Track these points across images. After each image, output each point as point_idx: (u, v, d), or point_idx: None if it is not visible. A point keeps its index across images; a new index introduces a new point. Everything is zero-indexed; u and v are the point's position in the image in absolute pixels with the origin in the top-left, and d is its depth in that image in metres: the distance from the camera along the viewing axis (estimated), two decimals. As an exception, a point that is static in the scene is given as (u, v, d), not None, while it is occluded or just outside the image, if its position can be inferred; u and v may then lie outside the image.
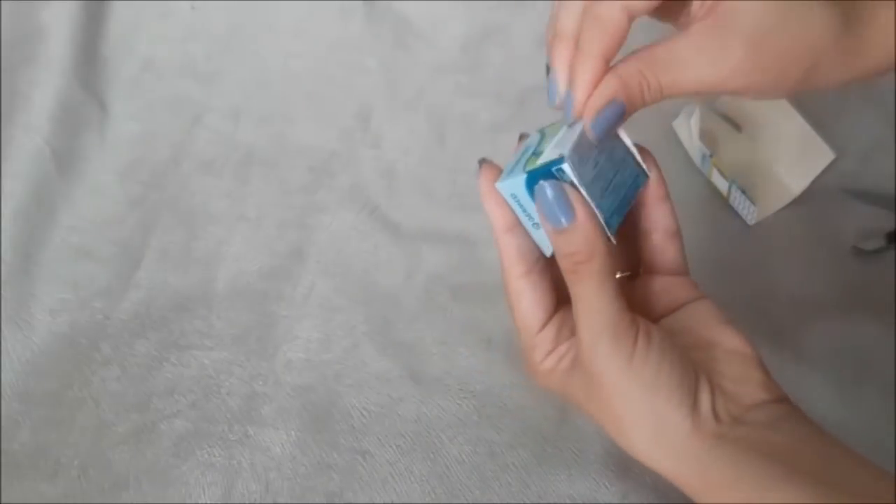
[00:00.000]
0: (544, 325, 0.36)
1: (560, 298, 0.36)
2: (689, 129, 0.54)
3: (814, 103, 0.55)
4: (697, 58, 0.32)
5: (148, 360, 0.49)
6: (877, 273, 0.50)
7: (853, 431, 0.44)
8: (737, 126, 0.55)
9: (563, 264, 0.33)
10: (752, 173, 0.52)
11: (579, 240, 0.32)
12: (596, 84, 0.33)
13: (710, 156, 0.52)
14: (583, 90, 0.33)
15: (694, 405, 0.32)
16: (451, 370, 0.48)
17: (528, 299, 0.36)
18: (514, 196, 0.35)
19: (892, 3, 0.32)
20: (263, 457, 0.45)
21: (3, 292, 0.51)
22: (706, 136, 0.53)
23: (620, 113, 0.33)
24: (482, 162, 0.36)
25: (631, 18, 0.33)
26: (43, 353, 0.49)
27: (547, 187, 0.32)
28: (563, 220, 0.32)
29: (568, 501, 0.43)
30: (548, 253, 0.36)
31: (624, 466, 0.44)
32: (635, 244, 0.38)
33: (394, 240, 0.53)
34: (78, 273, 0.52)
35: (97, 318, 0.50)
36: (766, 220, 0.52)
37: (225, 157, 0.57)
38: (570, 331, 0.36)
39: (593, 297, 0.33)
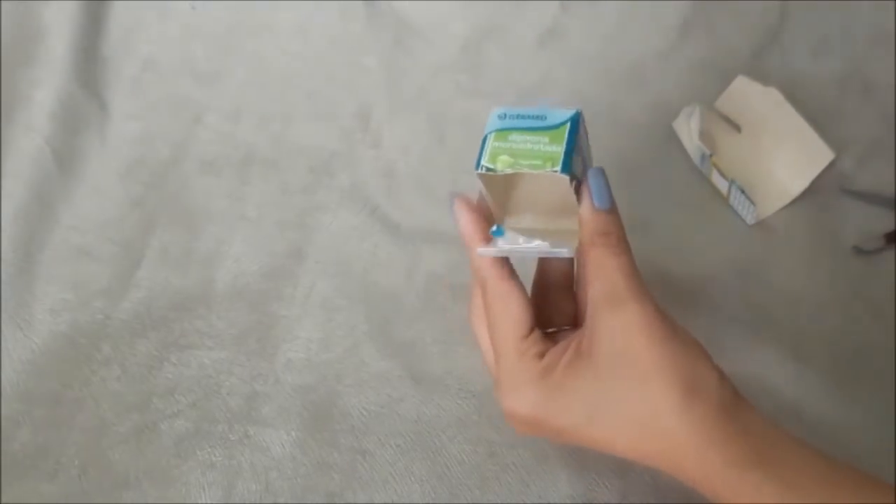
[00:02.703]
0: (532, 329, 0.36)
1: None
2: (689, 129, 0.54)
3: (814, 103, 0.55)
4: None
5: (148, 359, 0.49)
6: (877, 273, 0.50)
7: (853, 431, 0.45)
8: (737, 126, 0.55)
9: (599, 238, 0.36)
10: (752, 173, 0.52)
11: (617, 220, 0.36)
12: None
13: (710, 156, 0.52)
14: None
15: (712, 361, 0.34)
16: (451, 370, 0.48)
17: (518, 300, 0.36)
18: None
19: None
20: (263, 457, 0.46)
21: (3, 292, 0.51)
22: (706, 136, 0.53)
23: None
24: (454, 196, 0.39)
25: None
26: (43, 353, 0.49)
27: (601, 173, 0.36)
28: (608, 202, 0.36)
29: (568, 501, 0.43)
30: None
31: (624, 466, 0.44)
32: (568, 299, 0.41)
33: (394, 240, 0.53)
34: (78, 273, 0.52)
35: (97, 317, 0.50)
36: (765, 220, 0.52)
37: (225, 156, 0.57)
38: (552, 340, 0.37)
39: (622, 270, 0.35)
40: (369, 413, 0.47)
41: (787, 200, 0.52)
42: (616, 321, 0.34)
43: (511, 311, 0.36)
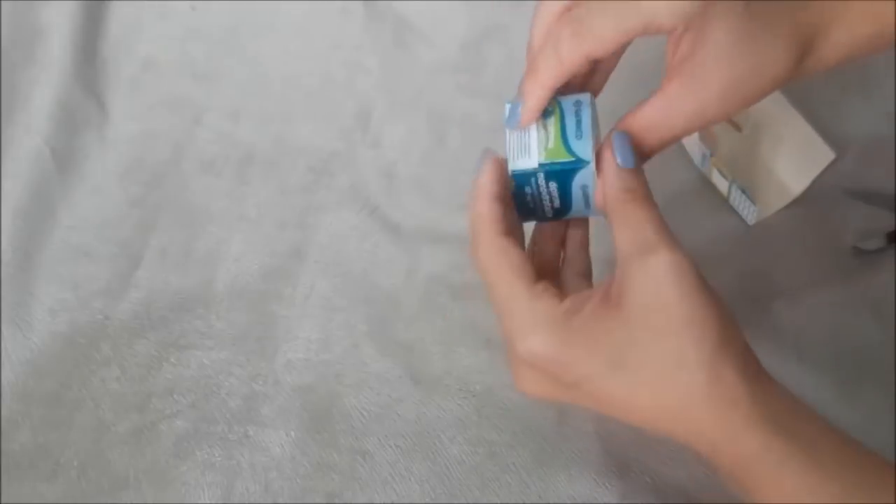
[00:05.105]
0: (539, 279, 0.35)
1: None
2: (689, 129, 0.54)
3: (814, 103, 0.55)
4: (678, 117, 0.36)
5: (147, 360, 0.49)
6: (877, 273, 0.50)
7: (853, 431, 0.44)
8: (737, 126, 0.55)
9: (624, 195, 0.35)
10: (752, 173, 0.52)
11: (642, 178, 0.36)
12: (543, 105, 0.37)
13: (710, 156, 0.52)
14: (531, 111, 0.37)
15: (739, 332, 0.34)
16: (451, 370, 0.48)
17: (517, 253, 0.36)
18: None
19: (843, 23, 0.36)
20: (263, 457, 0.45)
21: (3, 292, 0.51)
22: (706, 136, 0.53)
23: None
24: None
25: (589, 60, 0.36)
26: (42, 353, 0.49)
27: (625, 136, 0.36)
28: (632, 162, 0.36)
29: (568, 501, 0.43)
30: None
31: (624, 466, 0.44)
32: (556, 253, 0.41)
33: (394, 240, 0.53)
34: (78, 273, 0.52)
35: (97, 318, 0.50)
36: (766, 220, 0.52)
37: (225, 157, 0.57)
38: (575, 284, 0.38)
39: (658, 219, 0.34)
40: (369, 413, 0.47)
41: (788, 200, 0.52)
42: (647, 270, 0.33)
43: (512, 260, 0.35)
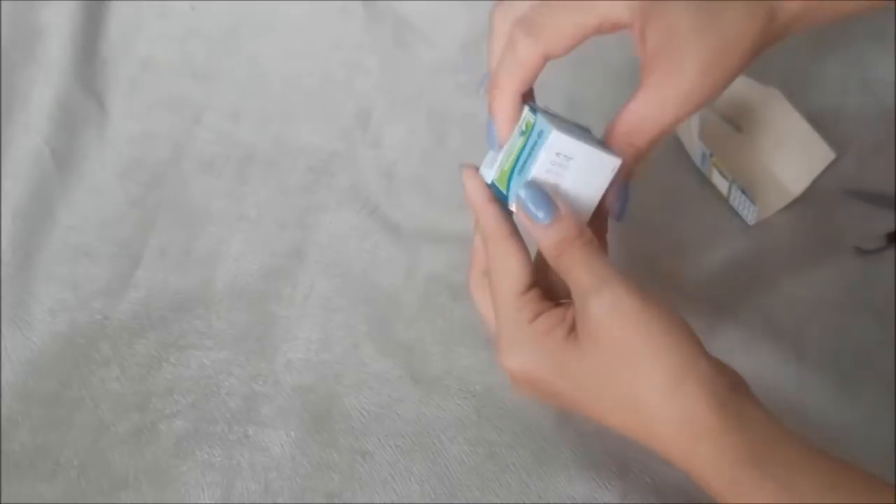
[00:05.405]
0: (530, 287, 0.36)
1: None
2: (689, 129, 0.54)
3: (814, 103, 0.55)
4: (667, 105, 0.36)
5: (147, 360, 0.49)
6: (877, 273, 0.50)
7: (853, 431, 0.45)
8: (737, 126, 0.55)
9: (554, 251, 0.35)
10: (752, 173, 0.52)
11: (565, 225, 0.35)
12: (512, 114, 0.37)
13: (710, 156, 0.52)
14: (502, 124, 0.37)
15: (704, 349, 0.33)
16: (451, 370, 0.48)
17: (518, 258, 0.36)
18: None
19: None
20: (263, 457, 0.45)
21: (3, 292, 0.51)
22: (706, 136, 0.53)
23: (626, 185, 0.37)
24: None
25: (547, 60, 0.36)
26: (42, 353, 0.49)
27: (526, 197, 0.35)
28: (548, 214, 0.35)
29: (568, 501, 0.43)
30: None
31: (624, 466, 0.44)
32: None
33: (394, 240, 0.53)
34: (77, 273, 0.52)
35: (96, 317, 0.50)
36: (766, 220, 0.52)
37: (225, 156, 0.57)
38: (557, 297, 0.37)
39: (595, 261, 0.34)
40: (369, 413, 0.47)
41: (788, 200, 0.52)
42: (589, 316, 0.33)
43: (509, 267, 0.36)
